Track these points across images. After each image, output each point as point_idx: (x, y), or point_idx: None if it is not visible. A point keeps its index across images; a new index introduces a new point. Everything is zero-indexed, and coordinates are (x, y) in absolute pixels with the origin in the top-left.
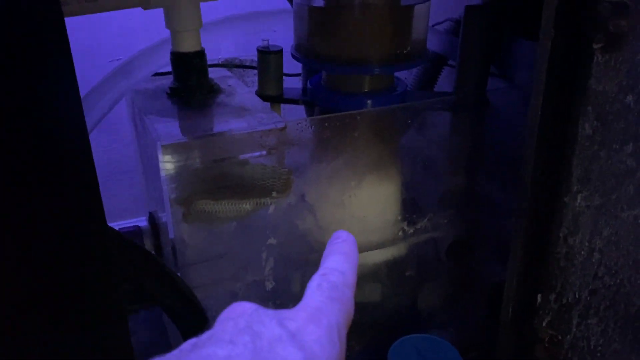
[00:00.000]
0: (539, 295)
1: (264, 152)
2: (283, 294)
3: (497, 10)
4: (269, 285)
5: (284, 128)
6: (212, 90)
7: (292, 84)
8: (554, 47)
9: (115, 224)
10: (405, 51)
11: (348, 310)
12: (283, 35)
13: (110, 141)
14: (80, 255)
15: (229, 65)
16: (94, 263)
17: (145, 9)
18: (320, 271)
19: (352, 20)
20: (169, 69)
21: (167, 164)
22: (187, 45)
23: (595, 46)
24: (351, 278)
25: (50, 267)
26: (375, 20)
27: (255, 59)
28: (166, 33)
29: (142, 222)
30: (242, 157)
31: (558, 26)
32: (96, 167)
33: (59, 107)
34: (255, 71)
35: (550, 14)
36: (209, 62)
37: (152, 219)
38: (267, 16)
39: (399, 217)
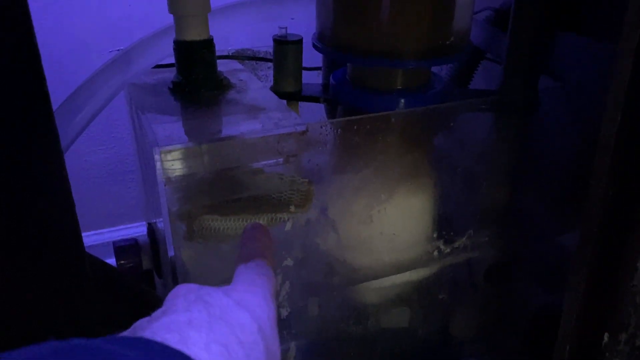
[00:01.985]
0: (606, 335)
1: (280, 160)
2: (300, 322)
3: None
4: (284, 312)
5: (305, 132)
6: (221, 85)
7: (312, 78)
8: None
9: (114, 229)
10: (447, 42)
11: (273, 283)
12: (303, 22)
13: (109, 139)
14: None
15: (240, 57)
16: None
17: None
18: (242, 254)
19: (386, 4)
20: (172, 60)
21: (167, 172)
22: (193, 33)
23: None
24: (269, 257)
25: None
26: (413, 4)
27: (270, 49)
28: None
29: (142, 228)
30: (255, 165)
31: None
32: (93, 166)
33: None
34: (270, 64)
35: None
36: (217, 53)
37: (152, 232)
38: (285, 1)
39: (435, 235)
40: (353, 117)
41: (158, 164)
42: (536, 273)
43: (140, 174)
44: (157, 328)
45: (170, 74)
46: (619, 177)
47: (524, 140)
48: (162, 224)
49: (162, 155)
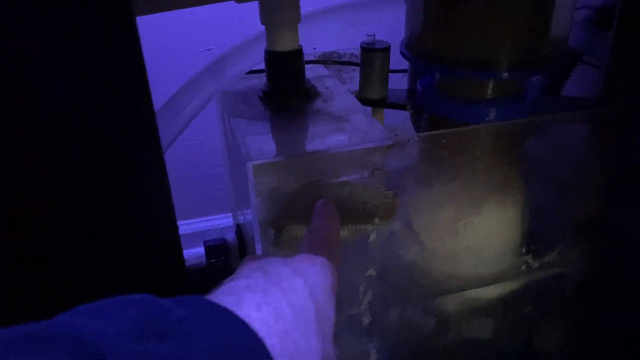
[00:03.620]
0: None
1: (365, 173)
2: (381, 330)
3: None
4: (366, 321)
5: (391, 146)
6: (309, 94)
7: (397, 81)
8: None
9: (202, 220)
10: (544, 53)
11: (335, 258)
12: (389, 27)
13: (197, 135)
14: None
15: (326, 61)
16: None
17: (238, 2)
18: (310, 230)
19: (479, 12)
20: (261, 66)
21: (258, 184)
22: (284, 44)
23: None
24: (337, 233)
25: None
26: (510, 12)
27: (355, 51)
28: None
29: (229, 220)
30: (340, 177)
31: None
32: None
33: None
34: (354, 66)
35: None
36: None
37: (240, 233)
38: (373, 5)
39: (523, 250)
40: (440, 131)
41: (251, 177)
42: (628, 292)
43: (229, 173)
44: (220, 292)
45: (260, 81)
46: None
47: (623, 152)
48: (250, 228)
49: (254, 169)
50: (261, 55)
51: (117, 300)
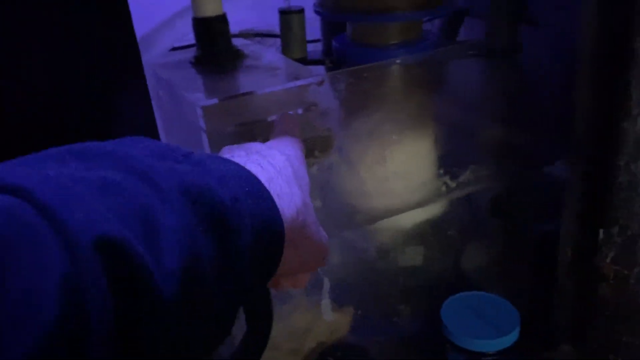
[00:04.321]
0: (601, 231)
1: (301, 110)
2: (330, 259)
3: None
4: None
5: (322, 82)
6: (238, 55)
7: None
8: None
9: None
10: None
11: (300, 142)
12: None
13: None
14: None
15: (246, 35)
16: None
17: None
18: (275, 126)
19: None
20: (183, 43)
21: (209, 126)
22: (210, 10)
23: None
24: (296, 126)
25: None
26: None
27: (271, 28)
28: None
29: None
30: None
31: None
32: None
33: None
34: (273, 39)
35: None
36: None
37: None
38: None
39: (442, 171)
40: (362, 66)
41: (201, 121)
42: (536, 199)
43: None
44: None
45: (187, 54)
46: (597, 85)
47: (513, 80)
48: None
49: (204, 111)
50: (180, 31)
51: (133, 137)
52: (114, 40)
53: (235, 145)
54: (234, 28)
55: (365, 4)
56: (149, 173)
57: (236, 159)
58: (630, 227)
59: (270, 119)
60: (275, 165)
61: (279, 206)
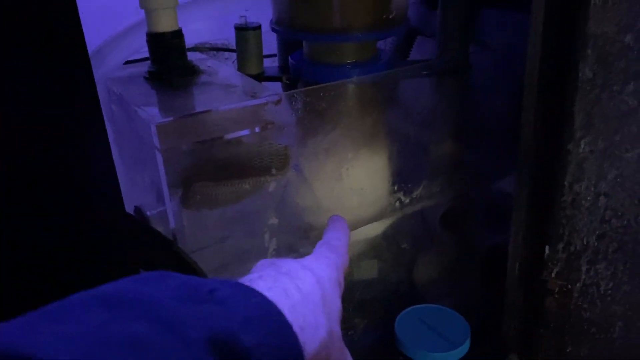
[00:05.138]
0: (547, 247)
1: (258, 128)
2: None
3: None
4: None
5: (279, 101)
6: (193, 71)
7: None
8: None
9: None
10: (389, 16)
11: (344, 259)
12: (254, 16)
13: None
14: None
15: (201, 48)
16: None
17: None
18: (322, 240)
19: None
20: (138, 56)
21: (163, 145)
22: (165, 25)
23: None
24: (345, 242)
25: None
26: None
27: (226, 42)
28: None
29: None
30: (237, 134)
31: None
32: None
33: None
34: (228, 53)
35: None
36: None
37: (140, 214)
38: None
39: (395, 187)
40: (318, 85)
41: (155, 139)
42: (486, 213)
43: (124, 163)
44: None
45: (141, 68)
46: (543, 109)
47: (464, 98)
48: (154, 200)
49: (158, 129)
50: (134, 45)
51: (157, 274)
52: (65, 54)
53: (268, 261)
54: (189, 40)
55: (321, 24)
56: (174, 323)
57: (262, 283)
58: (573, 243)
59: (227, 137)
60: (302, 291)
61: (301, 341)
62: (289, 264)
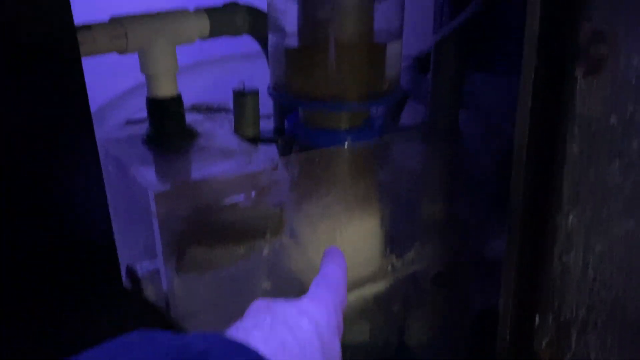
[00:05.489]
0: (537, 316)
1: (254, 193)
2: None
3: (462, 44)
4: None
5: (277, 167)
6: (191, 134)
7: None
8: (537, 73)
9: None
10: (383, 88)
11: (342, 298)
12: (252, 77)
13: None
14: None
15: (200, 109)
16: None
17: (121, 53)
18: (318, 275)
19: (329, 60)
20: (138, 116)
21: (160, 212)
22: (164, 90)
23: (577, 71)
24: (343, 277)
25: None
26: (354, 59)
27: (223, 101)
28: (131, 79)
29: None
30: (234, 199)
31: (540, 53)
32: None
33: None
34: (224, 114)
35: (532, 42)
36: None
37: (132, 274)
38: (237, 59)
39: (388, 250)
40: (313, 151)
41: (152, 205)
42: (477, 276)
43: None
44: (228, 332)
45: (140, 128)
46: (531, 181)
47: (453, 162)
48: (149, 260)
49: (156, 197)
50: (135, 106)
51: (141, 336)
52: (68, 116)
53: (264, 304)
54: (186, 99)
55: (317, 92)
56: None
57: (258, 335)
58: (563, 313)
59: (223, 203)
60: (299, 341)
61: None
62: (285, 309)
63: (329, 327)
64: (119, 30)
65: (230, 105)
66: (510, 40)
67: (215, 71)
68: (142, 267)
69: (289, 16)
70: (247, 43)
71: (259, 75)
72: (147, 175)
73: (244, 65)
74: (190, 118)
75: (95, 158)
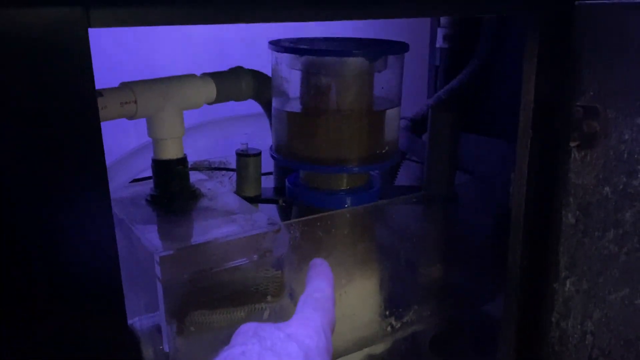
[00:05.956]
0: None
1: (256, 257)
2: None
3: (456, 108)
4: None
5: (279, 230)
6: (194, 195)
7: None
8: (533, 145)
9: None
10: (382, 151)
11: (330, 317)
12: (254, 137)
13: None
14: None
15: (201, 168)
16: None
17: (130, 119)
18: (305, 292)
19: (330, 126)
20: (143, 175)
21: (164, 275)
22: (170, 153)
23: (572, 144)
24: (330, 292)
25: None
26: (354, 125)
27: (223, 159)
28: (136, 139)
29: None
30: (237, 262)
31: (535, 127)
32: None
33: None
34: (224, 172)
35: (527, 116)
36: None
37: (131, 333)
38: (240, 120)
39: (387, 312)
40: (316, 215)
41: (157, 268)
42: (474, 338)
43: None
44: (216, 359)
45: (144, 188)
46: (529, 249)
47: (449, 226)
48: (148, 320)
49: (161, 260)
50: (141, 165)
51: None
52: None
53: (252, 329)
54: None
55: (318, 156)
56: None
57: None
58: None
59: (226, 265)
60: None
61: None
62: (273, 335)
63: (318, 350)
64: (129, 96)
65: (230, 162)
66: (504, 105)
67: (215, 130)
68: (142, 325)
69: (292, 83)
70: (249, 105)
71: (257, 135)
72: (152, 238)
73: (246, 122)
74: (192, 177)
75: (109, 214)
